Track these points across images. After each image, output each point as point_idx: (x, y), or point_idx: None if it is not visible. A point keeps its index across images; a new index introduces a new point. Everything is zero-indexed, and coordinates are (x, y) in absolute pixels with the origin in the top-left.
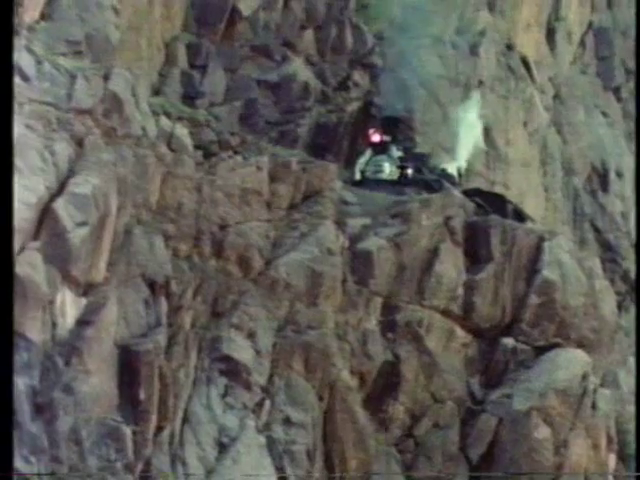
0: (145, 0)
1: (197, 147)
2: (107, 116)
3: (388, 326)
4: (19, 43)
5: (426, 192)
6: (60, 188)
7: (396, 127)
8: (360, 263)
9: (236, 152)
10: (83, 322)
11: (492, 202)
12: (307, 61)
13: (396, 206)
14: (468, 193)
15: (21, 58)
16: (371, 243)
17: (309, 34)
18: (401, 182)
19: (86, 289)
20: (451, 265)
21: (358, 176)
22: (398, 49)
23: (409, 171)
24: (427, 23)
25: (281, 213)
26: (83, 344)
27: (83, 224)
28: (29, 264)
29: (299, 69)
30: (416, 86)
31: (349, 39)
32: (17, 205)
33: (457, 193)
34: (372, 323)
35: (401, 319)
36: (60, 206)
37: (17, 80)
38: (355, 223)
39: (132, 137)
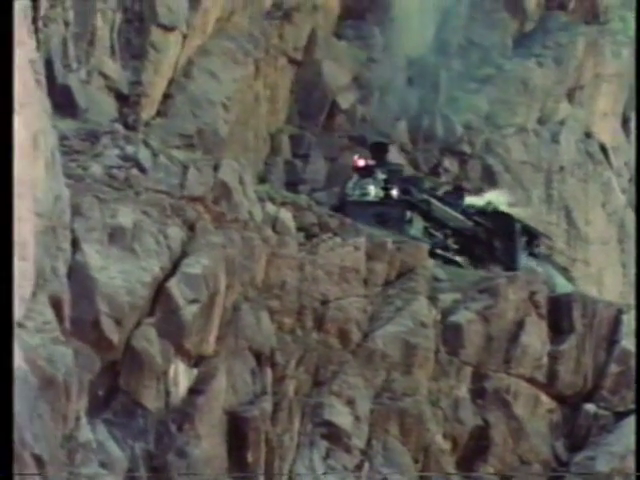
0: (252, 97)
1: (299, 229)
2: (217, 202)
3: (478, 393)
4: (137, 138)
5: (411, 212)
6: (173, 268)
7: (382, 152)
8: (451, 335)
9: (335, 233)
10: (195, 391)
11: (500, 222)
12: (401, 149)
13: (484, 282)
14: (476, 216)
15: (139, 151)
16: (461, 316)
17: (402, 124)
18: (385, 203)
19: (197, 360)
20: (536, 336)
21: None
22: (485, 137)
23: (394, 192)
24: (512, 114)
25: (377, 289)
26: (195, 411)
27: (194, 301)
28: (145, 338)
29: (393, 156)
30: (501, 171)
31: (439, 129)
32: (134, 285)
33: (540, 270)
34: (463, 390)
35: (490, 387)
36: (173, 285)
37: (135, 171)
38: (446, 298)
39: (240, 221)
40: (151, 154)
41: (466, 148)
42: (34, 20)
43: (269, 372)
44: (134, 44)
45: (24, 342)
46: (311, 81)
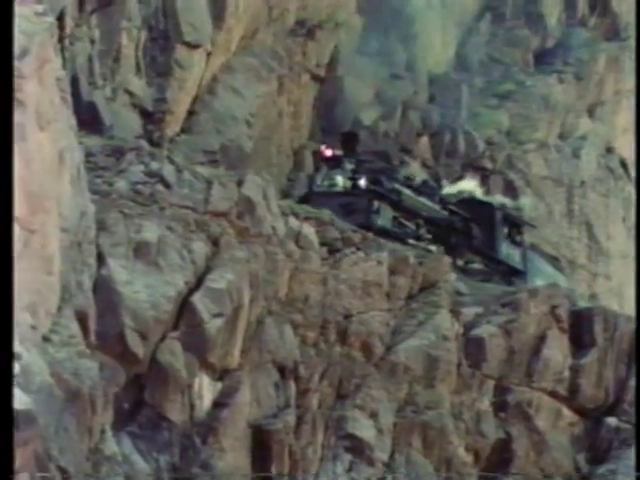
0: (275, 113)
1: (322, 244)
2: (240, 217)
3: (500, 406)
4: (161, 154)
5: (379, 202)
6: (198, 283)
7: (352, 142)
8: (473, 348)
9: (358, 248)
10: (219, 404)
11: (480, 211)
12: (423, 164)
13: (506, 296)
14: (455, 205)
15: (163, 167)
16: (483, 330)
17: (425, 140)
18: (352, 193)
19: (221, 374)
20: (557, 350)
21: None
22: (506, 153)
23: (361, 182)
24: (533, 129)
25: (400, 303)
26: (219, 424)
27: (219, 315)
28: (170, 352)
29: (416, 172)
30: (523, 186)
31: (461, 144)
32: (158, 299)
33: (564, 284)
34: (485, 404)
35: (512, 400)
36: (198, 299)
37: (159, 187)
38: (468, 312)
39: (263, 236)
40: (176, 170)
41: (488, 163)
42: (60, 38)
43: (293, 385)
44: (159, 62)
45: (50, 356)
46: (334, 97)
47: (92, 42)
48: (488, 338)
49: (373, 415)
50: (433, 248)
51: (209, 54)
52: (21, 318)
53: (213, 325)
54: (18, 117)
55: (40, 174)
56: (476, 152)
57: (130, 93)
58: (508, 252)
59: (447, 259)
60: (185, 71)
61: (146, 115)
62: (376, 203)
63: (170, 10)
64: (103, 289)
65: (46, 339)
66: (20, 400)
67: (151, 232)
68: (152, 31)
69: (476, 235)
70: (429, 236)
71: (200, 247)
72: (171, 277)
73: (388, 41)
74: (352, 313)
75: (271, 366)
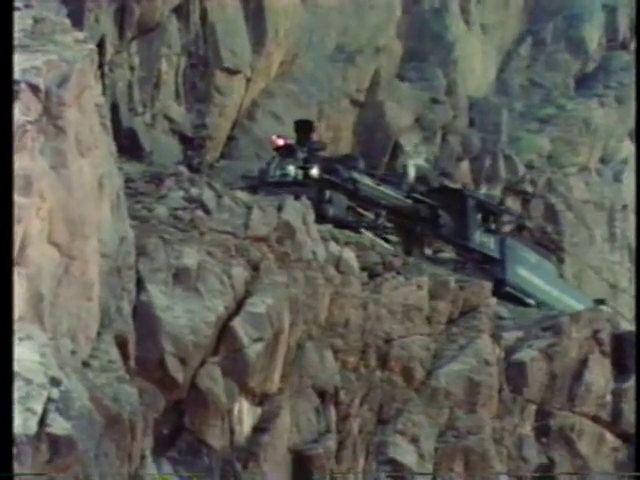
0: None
1: (363, 268)
2: (280, 242)
3: (542, 431)
4: (201, 180)
5: (332, 191)
6: (237, 308)
7: (306, 131)
8: (515, 373)
9: (399, 272)
10: (259, 429)
11: (451, 199)
12: (463, 189)
13: (547, 320)
14: (425, 194)
15: (203, 193)
16: (525, 354)
17: (465, 165)
18: (304, 183)
19: (261, 399)
20: (599, 374)
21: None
22: (547, 177)
23: (313, 171)
24: (574, 153)
25: (441, 327)
26: (259, 449)
27: (259, 340)
28: (210, 377)
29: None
30: (564, 210)
31: (502, 169)
32: (198, 324)
33: (606, 309)
34: (527, 428)
35: (554, 425)
36: (238, 324)
37: (199, 212)
38: (509, 336)
39: (303, 261)
40: (215, 196)
41: (528, 187)
42: (100, 65)
43: (333, 410)
44: (199, 87)
45: (89, 381)
46: (374, 122)
47: (132, 69)
48: (529, 362)
49: (414, 440)
50: (393, 238)
51: (249, 80)
52: (61, 343)
53: (253, 350)
54: (58, 144)
55: (80, 200)
56: (517, 176)
57: (170, 119)
58: (482, 240)
59: (488, 284)
60: (225, 97)
61: (186, 141)
62: (328, 192)
63: (210, 36)
64: (143, 314)
65: (86, 364)
66: (60, 425)
67: (191, 257)
68: (192, 57)
69: (445, 223)
70: (389, 225)
71: (240, 272)
72: (211, 302)
73: (428, 66)
74: (393, 337)
75: (311, 391)
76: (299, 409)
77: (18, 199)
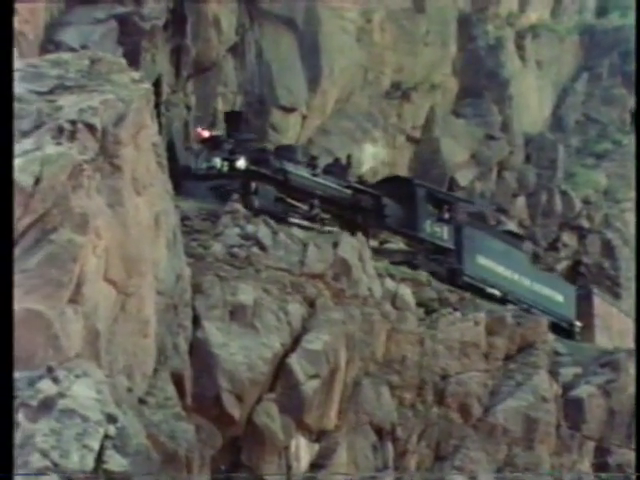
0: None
1: (419, 304)
2: (336, 279)
3: (601, 468)
4: (257, 220)
5: (260, 182)
6: (294, 344)
7: (236, 122)
8: (573, 409)
9: (455, 308)
10: (316, 466)
11: (401, 189)
12: (520, 225)
13: (605, 356)
14: (372, 185)
15: (259, 230)
16: (582, 390)
17: (521, 200)
18: (229, 175)
19: (318, 435)
20: None
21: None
22: (604, 212)
23: (239, 163)
24: (630, 188)
25: (498, 364)
26: None
27: (315, 377)
28: (266, 414)
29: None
30: (620, 245)
31: (558, 204)
32: (255, 361)
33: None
34: (585, 465)
35: (613, 462)
36: (294, 361)
37: (255, 249)
38: (567, 372)
39: (359, 297)
40: (271, 232)
41: (585, 223)
42: (156, 104)
43: (390, 447)
44: (254, 125)
45: (146, 418)
46: (430, 159)
47: (188, 108)
48: (587, 399)
49: (472, 477)
50: (332, 229)
51: (304, 117)
52: (117, 381)
53: (309, 386)
54: (115, 182)
55: (136, 238)
56: (573, 212)
57: None
58: (433, 230)
59: (545, 320)
60: (280, 134)
61: None
62: (254, 184)
63: (266, 74)
64: (199, 351)
65: (142, 401)
66: (117, 462)
67: (247, 294)
68: (248, 95)
69: (390, 214)
70: (326, 216)
71: (296, 309)
72: (267, 339)
73: (484, 102)
74: (449, 374)
75: (368, 427)
76: (356, 446)
77: (74, 237)
